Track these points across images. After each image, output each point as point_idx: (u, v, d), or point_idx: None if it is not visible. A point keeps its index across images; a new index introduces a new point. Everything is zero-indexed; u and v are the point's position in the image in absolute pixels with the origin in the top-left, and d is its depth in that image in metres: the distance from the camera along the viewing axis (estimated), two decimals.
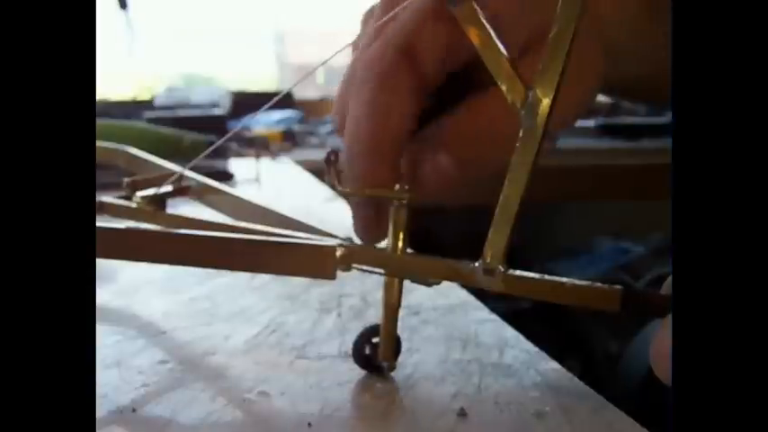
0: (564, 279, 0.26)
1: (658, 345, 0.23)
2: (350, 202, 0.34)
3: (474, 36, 0.26)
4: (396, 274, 0.29)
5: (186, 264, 0.33)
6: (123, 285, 0.44)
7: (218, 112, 1.30)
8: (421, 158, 0.32)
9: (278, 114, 1.47)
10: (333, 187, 0.30)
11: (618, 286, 0.25)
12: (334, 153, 0.31)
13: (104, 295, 0.42)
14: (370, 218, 0.33)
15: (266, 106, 0.34)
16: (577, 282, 0.26)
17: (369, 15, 0.35)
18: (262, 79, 2.07)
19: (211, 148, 0.35)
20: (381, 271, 0.30)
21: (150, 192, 0.41)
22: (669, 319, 0.23)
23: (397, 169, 0.31)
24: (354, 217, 0.34)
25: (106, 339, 0.35)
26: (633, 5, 0.35)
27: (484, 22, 0.26)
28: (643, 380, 0.79)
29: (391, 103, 0.30)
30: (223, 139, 0.37)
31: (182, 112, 1.22)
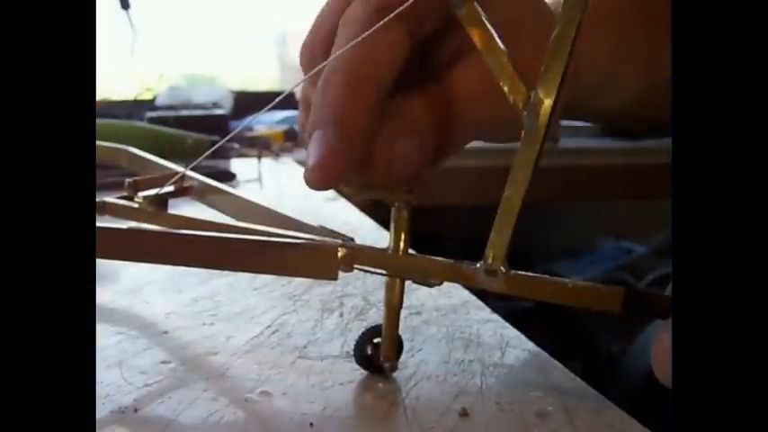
0: (566, 280, 0.26)
1: (659, 347, 0.23)
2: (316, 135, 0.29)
3: (476, 37, 0.26)
4: (397, 274, 0.29)
5: (187, 264, 0.33)
6: (125, 285, 0.44)
7: (220, 111, 1.30)
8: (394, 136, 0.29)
9: (280, 114, 1.47)
10: (337, 189, 0.30)
11: (620, 287, 0.25)
12: None
13: (106, 295, 0.42)
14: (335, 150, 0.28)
15: (269, 107, 0.34)
16: (579, 282, 0.26)
17: None
18: (264, 79, 2.07)
19: (213, 149, 0.35)
20: (383, 271, 0.30)
21: (152, 192, 0.41)
22: (671, 321, 0.23)
23: (373, 120, 0.28)
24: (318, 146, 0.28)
25: (108, 339, 0.35)
26: (609, 45, 0.35)
27: (486, 23, 0.26)
28: (645, 380, 0.79)
29: (381, 41, 0.28)
30: (225, 139, 0.36)
31: (184, 112, 1.22)
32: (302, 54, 0.33)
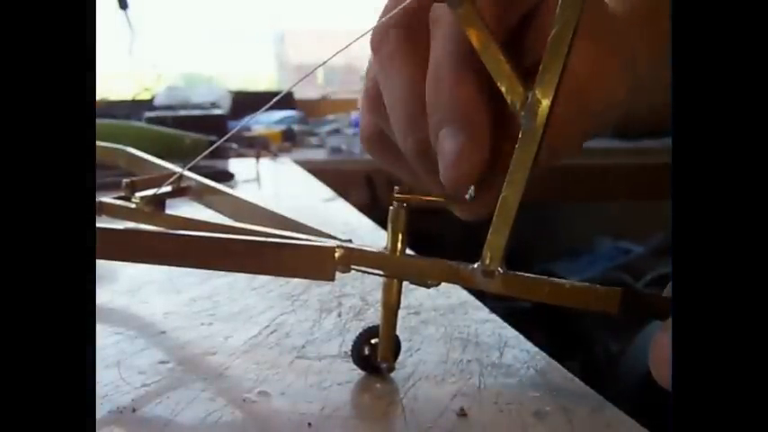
0: (563, 281, 0.26)
1: (658, 349, 0.23)
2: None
3: (473, 37, 0.26)
4: (394, 275, 0.30)
5: (185, 265, 0.33)
6: (124, 285, 0.44)
7: (218, 111, 1.30)
8: None
9: (278, 114, 1.48)
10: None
11: (617, 288, 0.25)
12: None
13: (105, 295, 0.42)
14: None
15: (266, 107, 0.34)
16: (577, 283, 0.26)
17: None
18: (262, 79, 2.07)
19: (210, 149, 0.35)
20: (380, 272, 0.30)
21: (149, 192, 0.41)
22: (669, 322, 0.23)
23: (482, 92, 0.28)
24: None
25: (106, 339, 0.35)
26: (622, 93, 0.34)
27: (483, 23, 0.26)
28: (643, 380, 0.79)
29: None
30: (222, 140, 0.37)
31: (182, 112, 1.22)
32: (382, 36, 0.31)
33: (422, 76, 0.29)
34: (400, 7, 0.29)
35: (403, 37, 0.30)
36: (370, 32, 0.31)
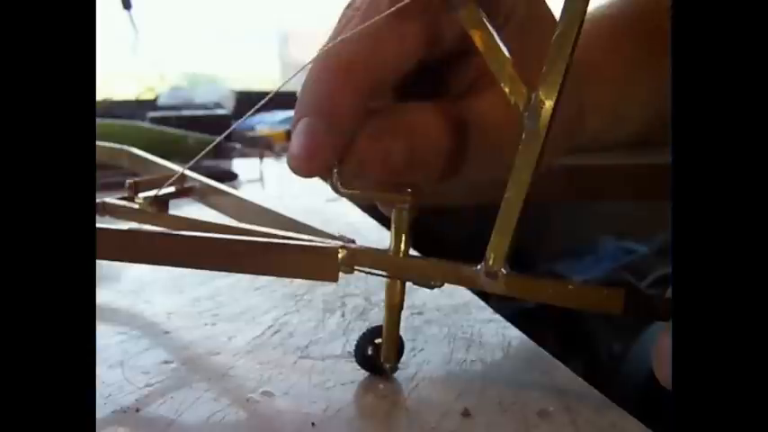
0: (567, 281, 0.26)
1: (660, 349, 0.23)
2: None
3: (477, 38, 0.26)
4: (398, 276, 0.29)
5: (187, 266, 0.33)
6: (127, 285, 0.44)
7: (221, 111, 1.30)
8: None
9: (281, 114, 1.47)
10: (335, 188, 0.28)
11: (621, 289, 0.25)
12: None
13: (108, 295, 0.42)
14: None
15: (265, 99, 0.34)
16: (580, 284, 0.26)
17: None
18: (265, 79, 2.07)
19: (208, 148, 0.35)
20: (384, 273, 0.30)
21: (152, 193, 0.41)
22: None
23: (361, 114, 0.27)
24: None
25: (110, 339, 0.35)
26: (613, 91, 0.34)
27: (487, 24, 0.26)
28: (647, 380, 0.79)
29: (390, 33, 0.27)
30: (221, 137, 0.36)
31: (185, 112, 1.22)
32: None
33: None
34: (396, 7, 0.29)
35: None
36: None
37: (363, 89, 0.27)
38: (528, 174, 0.25)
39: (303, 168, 0.27)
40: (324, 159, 0.27)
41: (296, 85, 0.33)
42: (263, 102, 0.34)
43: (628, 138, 0.37)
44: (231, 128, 0.39)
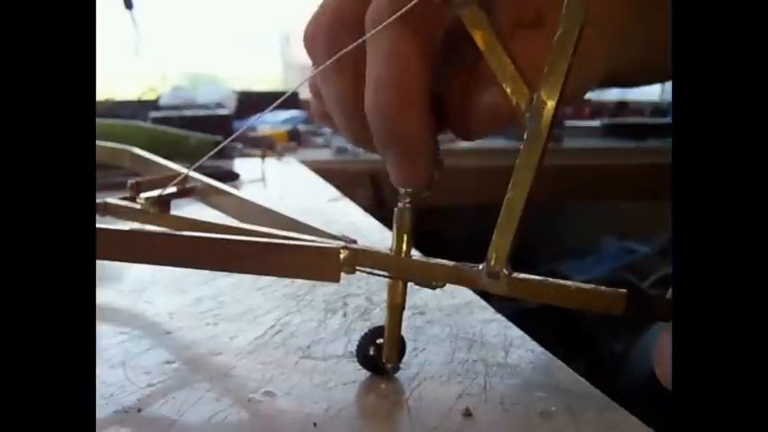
0: (568, 282, 0.26)
1: (661, 350, 0.23)
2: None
3: (478, 38, 0.26)
4: (399, 276, 0.29)
5: (189, 266, 0.33)
6: (129, 285, 0.44)
7: (223, 111, 1.30)
8: (471, 92, 0.30)
9: (283, 114, 1.48)
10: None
11: (623, 290, 0.25)
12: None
13: (110, 295, 0.42)
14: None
15: (272, 107, 0.34)
16: (582, 285, 0.26)
17: None
18: (267, 79, 2.07)
19: (214, 151, 0.35)
20: (385, 273, 0.30)
21: (154, 193, 0.41)
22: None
23: (427, 115, 0.29)
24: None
25: (112, 339, 0.35)
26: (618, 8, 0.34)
27: (488, 24, 0.26)
28: (648, 380, 0.79)
29: (410, 49, 0.29)
30: (228, 140, 0.37)
31: (187, 112, 1.22)
32: (315, 36, 0.32)
33: (353, 84, 0.30)
34: (399, 13, 0.29)
35: (333, 41, 0.30)
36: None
37: (424, 105, 0.29)
38: (530, 174, 0.25)
39: (415, 186, 0.30)
40: (424, 177, 0.30)
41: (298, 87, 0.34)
42: (270, 109, 0.34)
43: (627, 67, 0.37)
44: (239, 131, 0.39)
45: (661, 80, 0.47)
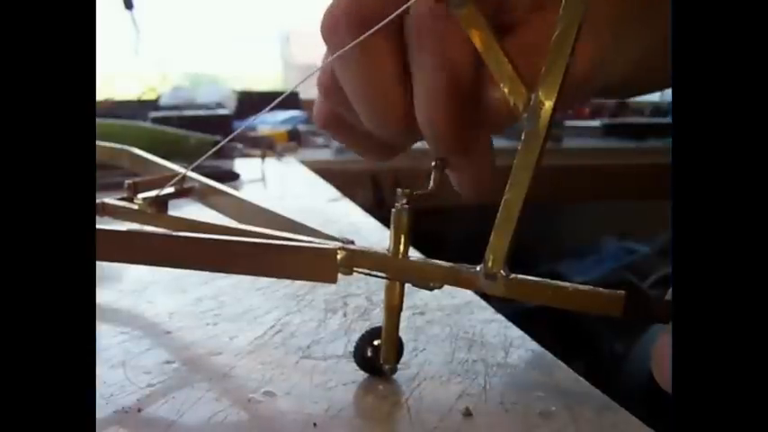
0: (566, 284, 0.26)
1: (659, 351, 0.23)
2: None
3: (476, 39, 0.26)
4: (397, 277, 0.29)
5: (186, 267, 0.33)
6: (129, 285, 0.44)
7: (223, 111, 1.30)
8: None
9: (283, 114, 1.48)
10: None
11: (621, 291, 0.25)
12: (442, 159, 0.31)
13: (110, 295, 0.42)
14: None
15: (271, 106, 0.34)
16: (580, 286, 0.26)
17: None
18: (267, 79, 2.07)
19: (212, 151, 0.35)
20: (383, 274, 0.29)
21: (152, 193, 0.41)
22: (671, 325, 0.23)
23: (461, 108, 0.30)
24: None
25: (112, 339, 0.35)
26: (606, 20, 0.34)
27: (485, 24, 0.26)
28: (648, 380, 0.79)
29: (459, 54, 0.29)
30: (226, 140, 0.36)
31: (187, 112, 1.22)
32: (336, 24, 0.31)
33: (381, 70, 0.30)
34: (402, 9, 0.29)
35: (355, 27, 0.29)
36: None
37: (459, 103, 0.29)
38: (528, 174, 0.25)
39: (482, 194, 0.33)
40: (488, 183, 0.33)
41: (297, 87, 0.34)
42: (269, 107, 0.34)
43: (622, 80, 0.37)
44: (238, 130, 0.39)
45: (652, 91, 0.47)
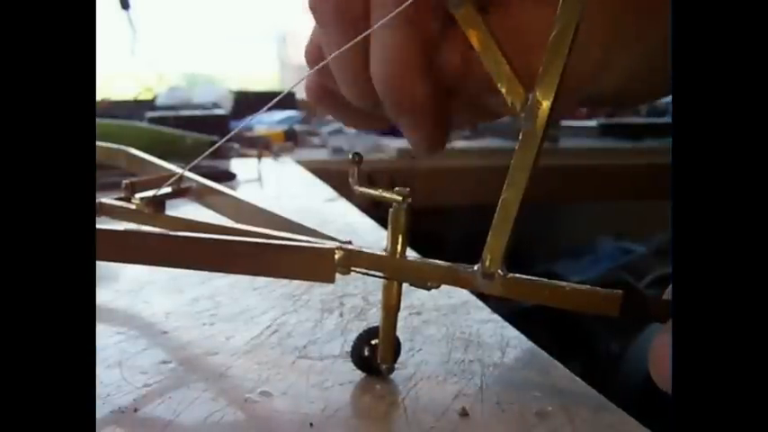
0: (563, 283, 0.26)
1: (657, 351, 0.23)
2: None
3: (473, 38, 0.26)
4: (394, 277, 0.29)
5: (184, 266, 0.33)
6: (125, 285, 0.44)
7: (219, 112, 1.30)
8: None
9: (280, 115, 1.48)
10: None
11: (618, 291, 0.25)
12: (359, 154, 0.30)
13: (107, 295, 0.42)
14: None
15: (267, 106, 0.34)
16: (577, 286, 0.26)
17: None
18: (264, 79, 2.07)
19: (209, 151, 0.35)
20: (380, 274, 0.29)
21: (149, 193, 0.41)
22: (669, 324, 0.23)
23: (433, 82, 0.31)
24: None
25: (108, 339, 0.35)
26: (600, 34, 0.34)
27: (483, 24, 0.26)
28: (645, 380, 0.79)
29: (414, 18, 0.30)
30: (223, 140, 0.36)
31: (183, 112, 1.22)
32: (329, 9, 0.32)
33: (351, 38, 0.31)
34: (402, 8, 0.29)
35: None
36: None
37: (427, 68, 0.30)
38: (525, 174, 0.25)
39: (430, 152, 0.33)
40: (437, 142, 0.33)
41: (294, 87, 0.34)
42: (266, 107, 0.34)
43: (615, 90, 0.37)
44: (234, 130, 0.39)
45: (646, 101, 0.47)
